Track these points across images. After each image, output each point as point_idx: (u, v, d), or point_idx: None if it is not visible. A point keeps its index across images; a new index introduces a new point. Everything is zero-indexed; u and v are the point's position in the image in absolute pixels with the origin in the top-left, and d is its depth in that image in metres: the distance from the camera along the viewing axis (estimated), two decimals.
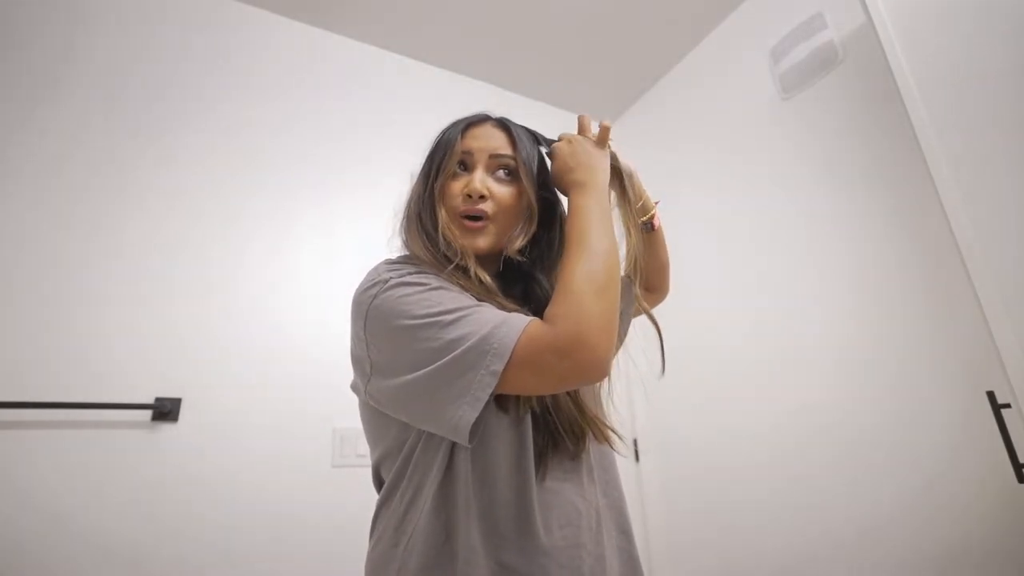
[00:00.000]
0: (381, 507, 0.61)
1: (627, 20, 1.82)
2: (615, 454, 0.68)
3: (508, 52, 1.95)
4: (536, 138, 0.70)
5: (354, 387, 0.63)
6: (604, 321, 0.50)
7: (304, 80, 1.70)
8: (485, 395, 0.48)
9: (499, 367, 0.48)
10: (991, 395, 0.91)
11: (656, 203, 0.79)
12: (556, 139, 0.69)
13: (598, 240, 0.55)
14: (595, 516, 0.60)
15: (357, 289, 0.59)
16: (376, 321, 0.55)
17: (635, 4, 1.76)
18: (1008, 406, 0.89)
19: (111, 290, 1.25)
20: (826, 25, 1.46)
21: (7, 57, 1.29)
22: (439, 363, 0.50)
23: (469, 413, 0.48)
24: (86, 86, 1.36)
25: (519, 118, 0.71)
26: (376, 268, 0.60)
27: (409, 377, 0.52)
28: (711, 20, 1.84)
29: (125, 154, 1.36)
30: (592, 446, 0.64)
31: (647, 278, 0.83)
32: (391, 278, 0.56)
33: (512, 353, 0.48)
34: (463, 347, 0.49)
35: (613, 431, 0.66)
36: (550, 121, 2.14)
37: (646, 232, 0.78)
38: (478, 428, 0.49)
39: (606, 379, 0.66)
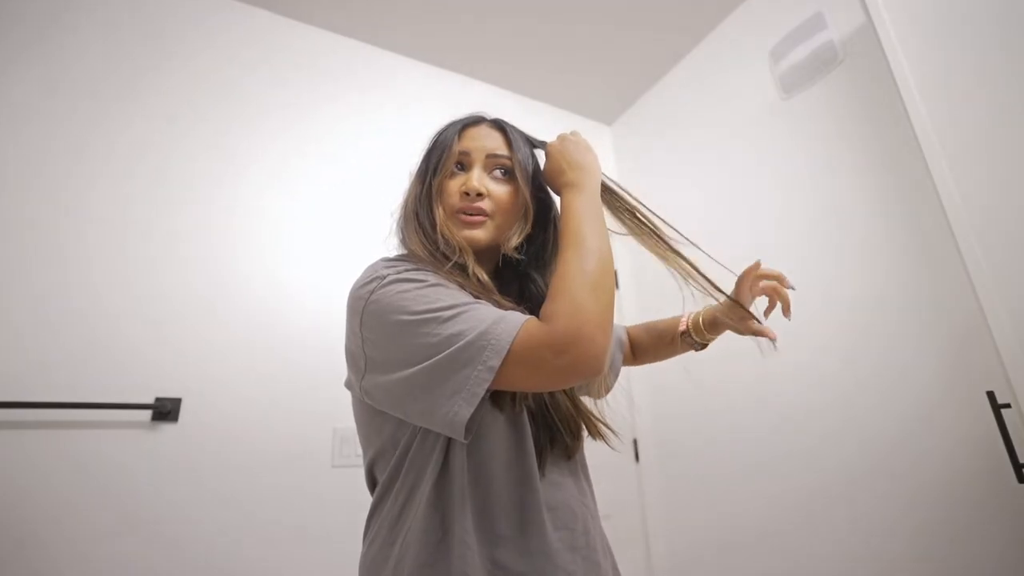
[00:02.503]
0: (375, 508, 0.61)
1: (627, 20, 1.82)
2: (588, 467, 0.69)
3: (507, 52, 1.95)
4: (529, 140, 0.71)
5: (348, 384, 0.63)
6: (600, 318, 0.50)
7: (306, 77, 1.70)
8: (481, 391, 0.48)
9: (496, 363, 0.48)
10: (991, 395, 0.91)
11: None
12: (546, 141, 0.70)
13: (591, 239, 0.55)
14: (590, 521, 0.61)
15: (354, 285, 0.59)
16: (373, 317, 0.55)
17: (635, 4, 1.76)
18: (1008, 406, 0.89)
19: (111, 290, 1.24)
20: (826, 25, 1.46)
21: None
22: (436, 359, 0.50)
23: (465, 409, 0.48)
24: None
25: (519, 118, 0.72)
26: (373, 265, 0.61)
27: (405, 373, 0.52)
28: (711, 20, 1.84)
29: (132, 151, 1.36)
30: (581, 448, 0.65)
31: (644, 353, 0.90)
32: (388, 274, 0.56)
33: (509, 349, 0.48)
34: (460, 343, 0.49)
35: (607, 426, 0.67)
36: (549, 121, 2.15)
37: (692, 347, 0.85)
38: (474, 424, 0.49)
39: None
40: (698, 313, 0.83)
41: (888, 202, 1.27)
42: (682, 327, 0.84)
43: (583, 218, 0.58)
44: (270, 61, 1.66)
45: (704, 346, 0.84)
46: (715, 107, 1.83)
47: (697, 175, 1.86)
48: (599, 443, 0.67)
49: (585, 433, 0.67)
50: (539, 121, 1.95)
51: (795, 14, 1.55)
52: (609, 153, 2.30)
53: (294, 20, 1.74)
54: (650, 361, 0.91)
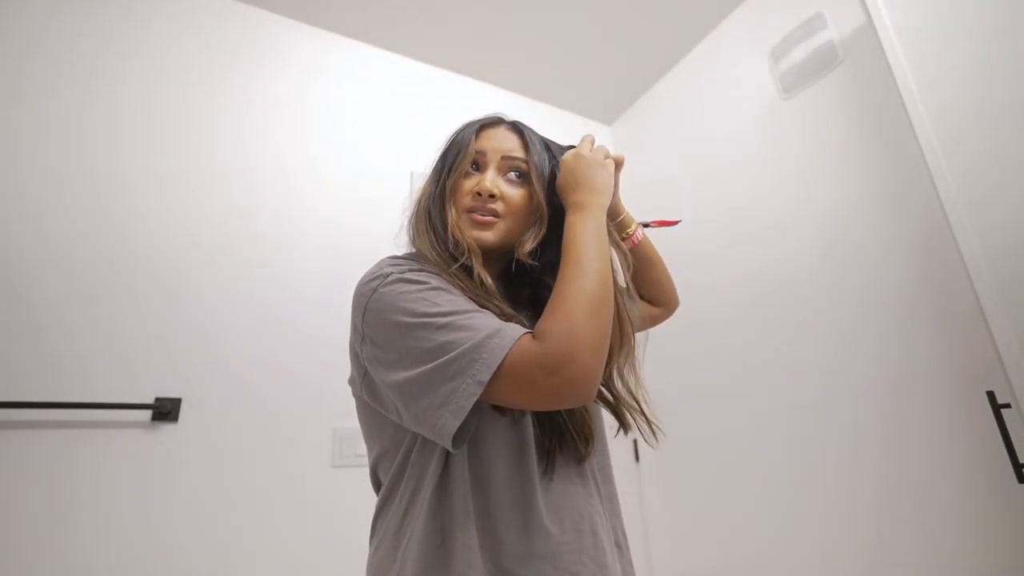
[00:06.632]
0: (380, 509, 0.61)
1: (627, 20, 1.82)
2: (612, 467, 0.68)
3: (508, 52, 1.94)
4: (548, 147, 0.70)
5: (351, 381, 0.63)
6: (594, 341, 0.49)
7: (309, 82, 1.70)
8: (469, 404, 0.48)
9: (485, 377, 0.48)
10: (991, 395, 0.91)
11: (639, 224, 0.79)
12: (570, 147, 0.69)
13: (592, 260, 0.55)
14: (598, 523, 0.60)
15: (359, 281, 0.59)
16: (374, 315, 0.55)
17: (635, 4, 1.76)
18: (1008, 406, 0.89)
19: (111, 290, 1.25)
20: (826, 25, 1.46)
21: None
22: (428, 366, 0.50)
23: (452, 421, 0.48)
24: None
25: (519, 118, 0.72)
26: (379, 262, 0.61)
27: (399, 376, 0.52)
28: (711, 20, 1.84)
29: (125, 152, 1.36)
30: (594, 454, 0.64)
31: (641, 292, 0.84)
32: (392, 273, 0.57)
33: (500, 365, 0.48)
34: (453, 352, 0.49)
35: (649, 421, 0.65)
36: (550, 121, 2.15)
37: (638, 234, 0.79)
38: (464, 434, 0.49)
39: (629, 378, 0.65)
40: (631, 227, 0.78)
41: (888, 202, 1.27)
42: (638, 238, 0.79)
43: (585, 241, 0.57)
44: (276, 66, 1.66)
45: (645, 225, 0.81)
46: (715, 107, 1.83)
47: (697, 175, 1.85)
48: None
49: (612, 435, 0.66)
50: (539, 121, 1.95)
51: (795, 14, 1.55)
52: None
53: (301, 22, 1.74)
54: (655, 291, 0.84)
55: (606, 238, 0.59)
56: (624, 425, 0.65)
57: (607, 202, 0.63)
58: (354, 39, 1.84)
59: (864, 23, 1.27)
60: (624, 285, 0.67)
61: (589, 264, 0.55)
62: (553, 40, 1.89)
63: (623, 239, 0.77)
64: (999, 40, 0.94)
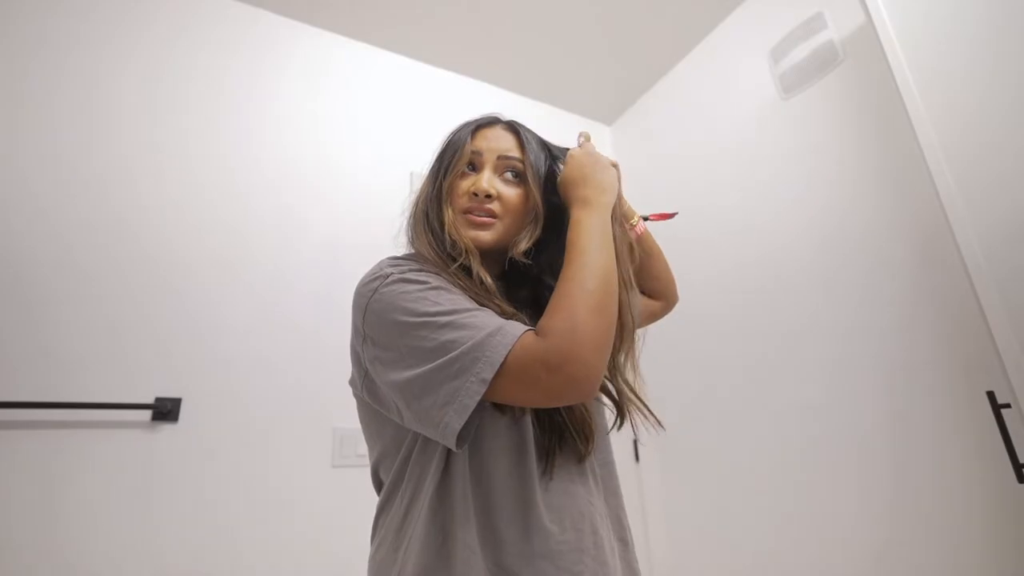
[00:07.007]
0: (381, 510, 0.61)
1: (627, 20, 1.82)
2: (615, 463, 0.68)
3: (508, 52, 1.94)
4: (547, 147, 0.70)
5: (352, 382, 0.63)
6: (597, 339, 0.49)
7: (310, 82, 1.69)
8: (472, 403, 0.47)
9: (489, 375, 0.47)
10: (991, 395, 0.91)
11: (640, 217, 0.79)
12: (567, 148, 0.69)
13: (596, 257, 0.55)
14: (599, 522, 0.60)
15: (359, 282, 0.59)
16: (375, 315, 0.55)
17: (635, 4, 1.76)
18: (1008, 406, 0.89)
19: (111, 290, 1.25)
20: (826, 25, 1.46)
21: None
22: (430, 365, 0.50)
23: (456, 420, 0.48)
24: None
25: (519, 118, 0.72)
26: (380, 263, 0.61)
27: (401, 376, 0.52)
28: (711, 20, 1.84)
29: (143, 157, 1.36)
30: (595, 452, 0.64)
31: (641, 286, 0.84)
32: (392, 273, 0.57)
33: (503, 363, 0.48)
34: (455, 351, 0.49)
35: (648, 410, 0.65)
36: (550, 121, 2.15)
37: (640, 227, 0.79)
38: (468, 433, 0.49)
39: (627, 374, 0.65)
40: (634, 220, 0.78)
41: (888, 202, 1.27)
42: (640, 230, 0.79)
43: (591, 236, 0.57)
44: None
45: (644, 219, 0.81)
46: (715, 107, 1.83)
47: (697, 174, 1.85)
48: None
49: (610, 428, 0.66)
50: (539, 121, 1.95)
51: (795, 14, 1.55)
52: (609, 153, 2.30)
53: (302, 22, 1.74)
54: (656, 286, 0.85)
55: (611, 236, 0.59)
56: (621, 418, 0.65)
57: (612, 201, 0.63)
58: (355, 39, 1.84)
59: (864, 23, 1.27)
60: (627, 278, 0.66)
61: (593, 261, 0.54)
62: (553, 40, 1.89)
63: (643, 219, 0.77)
64: (999, 40, 0.94)
